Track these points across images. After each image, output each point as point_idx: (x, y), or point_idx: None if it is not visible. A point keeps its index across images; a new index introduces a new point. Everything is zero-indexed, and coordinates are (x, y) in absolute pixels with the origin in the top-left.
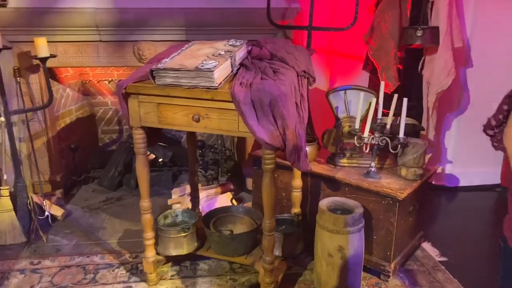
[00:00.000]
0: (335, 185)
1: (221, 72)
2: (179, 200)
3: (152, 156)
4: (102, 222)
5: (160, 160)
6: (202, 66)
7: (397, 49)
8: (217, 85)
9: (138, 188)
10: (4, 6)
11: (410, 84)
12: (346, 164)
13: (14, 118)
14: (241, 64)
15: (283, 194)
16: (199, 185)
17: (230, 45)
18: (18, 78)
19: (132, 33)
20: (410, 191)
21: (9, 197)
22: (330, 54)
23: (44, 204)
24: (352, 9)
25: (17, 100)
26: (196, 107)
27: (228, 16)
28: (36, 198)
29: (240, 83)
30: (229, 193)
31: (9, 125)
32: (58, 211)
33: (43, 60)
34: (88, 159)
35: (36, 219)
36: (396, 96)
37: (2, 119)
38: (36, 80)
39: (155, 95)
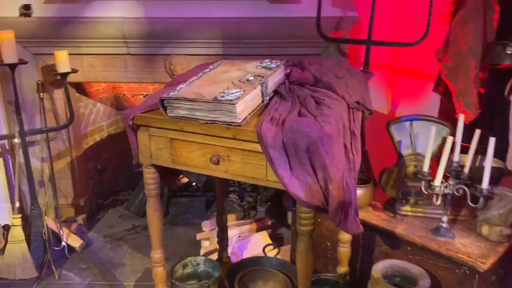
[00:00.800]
0: (394, 242)
1: (246, 104)
2: (209, 235)
3: (185, 179)
4: (123, 257)
5: (194, 184)
6: (223, 96)
7: (478, 69)
8: (240, 121)
9: (168, 215)
10: (28, 15)
11: (492, 112)
12: (409, 213)
13: (36, 136)
14: (276, 92)
15: (328, 243)
16: (234, 216)
17: (263, 67)
18: (41, 94)
19: (163, 46)
20: (494, 259)
21: (21, 226)
22: (392, 71)
23: (62, 233)
24: (422, 19)
25: (40, 117)
26: (216, 146)
27: (271, 26)
28: (53, 225)
29: (271, 119)
30: (265, 231)
31: (24, 146)
32: (76, 242)
33: (64, 75)
34: (118, 179)
35: (50, 252)
36: (478, 132)
37: (17, 140)
38: (61, 95)
39: (168, 129)
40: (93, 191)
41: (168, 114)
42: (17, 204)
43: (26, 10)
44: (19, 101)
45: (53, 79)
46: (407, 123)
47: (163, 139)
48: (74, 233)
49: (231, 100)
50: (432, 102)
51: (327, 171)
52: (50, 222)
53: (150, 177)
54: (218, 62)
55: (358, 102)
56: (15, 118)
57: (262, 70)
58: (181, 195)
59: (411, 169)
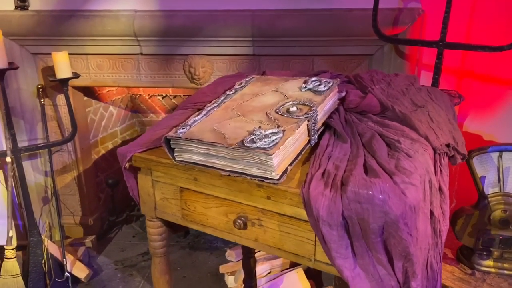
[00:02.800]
0: None
1: (287, 151)
2: (234, 268)
3: None
4: None
5: None
6: (253, 140)
7: None
8: (277, 176)
9: (188, 236)
10: (24, 8)
11: None
12: (492, 270)
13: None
14: (327, 125)
15: None
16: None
17: (309, 89)
18: (42, 100)
19: (181, 45)
20: None
21: (15, 259)
22: (463, 76)
23: (65, 261)
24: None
25: (42, 126)
26: (242, 204)
27: (311, 21)
28: (57, 251)
29: (323, 174)
30: (301, 268)
31: (18, 165)
32: (81, 272)
33: (64, 81)
34: None
35: (50, 285)
36: None
37: (8, 159)
38: (65, 101)
39: (177, 176)
40: (104, 207)
41: (176, 158)
42: (10, 234)
43: (22, 1)
44: (18, 109)
45: (55, 82)
46: (495, 155)
47: (171, 188)
48: (80, 260)
49: (265, 148)
50: None
51: (410, 262)
52: (52, 247)
53: (155, 232)
54: (247, 79)
55: (448, 145)
56: (7, 132)
57: (308, 94)
58: None
59: (497, 213)
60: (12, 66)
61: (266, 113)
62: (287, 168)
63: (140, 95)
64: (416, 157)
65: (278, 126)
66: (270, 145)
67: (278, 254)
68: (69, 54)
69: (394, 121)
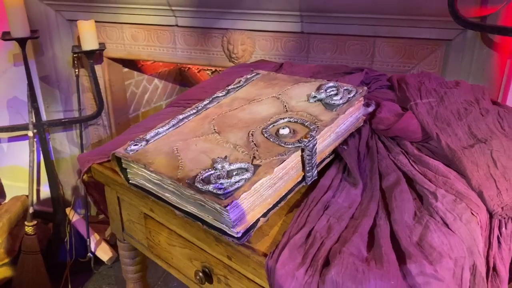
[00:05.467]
0: None
1: (258, 197)
2: None
3: None
4: (159, 277)
5: None
6: (209, 179)
7: None
8: (238, 234)
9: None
10: None
11: None
12: None
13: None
14: (337, 153)
15: None
16: None
17: (319, 99)
18: (77, 70)
19: (220, 17)
20: None
21: (35, 236)
22: None
23: (89, 241)
24: None
25: (78, 98)
26: (206, 253)
27: None
28: (82, 227)
29: (307, 238)
30: None
31: (42, 139)
32: (105, 253)
33: (90, 53)
34: None
35: (70, 264)
36: None
37: (30, 133)
38: (101, 72)
39: (136, 200)
40: None
41: (130, 181)
42: (30, 210)
43: None
44: (53, 78)
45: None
46: None
47: (136, 211)
48: (107, 241)
49: (218, 195)
50: None
51: None
52: (80, 223)
53: (126, 255)
54: (249, 76)
55: None
56: (29, 105)
57: (315, 108)
58: None
59: None
60: (34, 35)
61: (249, 133)
62: (257, 220)
63: (189, 67)
64: (456, 227)
65: (254, 158)
66: (227, 191)
67: None
68: (104, 22)
69: (437, 157)
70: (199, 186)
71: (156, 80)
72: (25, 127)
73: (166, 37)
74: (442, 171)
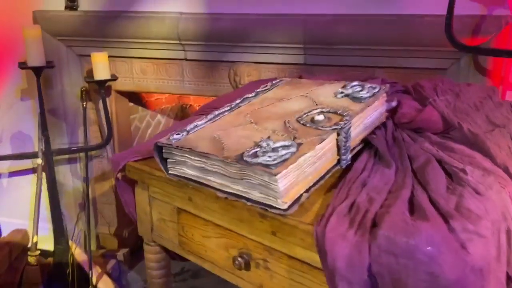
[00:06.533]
0: None
1: (301, 173)
2: None
3: None
4: None
5: None
6: (256, 153)
7: None
8: (284, 206)
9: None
10: (73, 8)
11: None
12: None
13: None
14: (367, 143)
15: None
16: None
17: (346, 95)
18: (85, 103)
19: (227, 51)
20: None
21: (37, 267)
22: None
23: (91, 274)
24: None
25: (84, 130)
26: (245, 238)
27: (373, 28)
28: (85, 261)
29: (350, 208)
30: None
31: (50, 168)
32: (106, 287)
33: (101, 83)
34: None
35: None
36: None
37: (39, 161)
38: (108, 106)
39: (172, 193)
40: None
41: (169, 172)
42: (35, 240)
43: (71, 1)
44: (61, 111)
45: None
46: None
47: (168, 207)
48: (108, 274)
49: (267, 165)
50: None
51: None
52: (82, 256)
53: (152, 258)
54: (276, 81)
55: None
56: (39, 133)
57: (344, 101)
58: None
59: None
60: (49, 65)
61: (285, 122)
62: (301, 196)
63: (190, 105)
64: (488, 195)
65: (294, 138)
66: (275, 162)
67: None
68: (114, 56)
69: (460, 143)
70: (249, 160)
71: (159, 116)
72: (34, 155)
73: (174, 70)
74: (467, 153)
